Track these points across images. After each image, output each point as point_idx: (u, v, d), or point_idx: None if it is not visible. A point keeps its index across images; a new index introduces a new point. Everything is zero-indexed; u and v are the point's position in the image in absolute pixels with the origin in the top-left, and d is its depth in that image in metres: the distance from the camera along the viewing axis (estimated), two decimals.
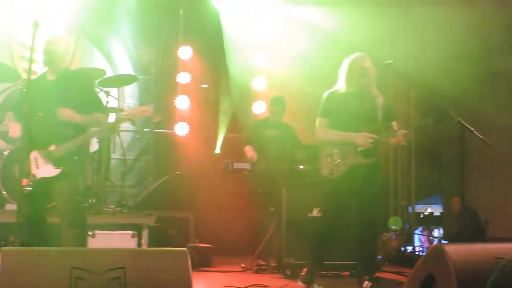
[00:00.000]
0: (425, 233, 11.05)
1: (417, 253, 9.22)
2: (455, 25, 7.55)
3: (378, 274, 6.39)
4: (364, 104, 5.31)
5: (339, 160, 5.23)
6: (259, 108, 8.77)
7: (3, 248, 2.94)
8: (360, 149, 5.23)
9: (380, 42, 7.27)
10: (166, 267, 3.16)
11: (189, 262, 3.19)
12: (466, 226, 8.48)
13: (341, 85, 5.38)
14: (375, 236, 5.61)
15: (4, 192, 6.03)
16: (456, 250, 3.63)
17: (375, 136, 5.22)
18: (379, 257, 7.40)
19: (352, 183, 5.27)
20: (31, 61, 4.68)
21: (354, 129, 5.26)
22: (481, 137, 4.68)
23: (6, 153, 6.22)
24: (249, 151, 7.09)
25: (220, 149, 8.59)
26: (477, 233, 8.35)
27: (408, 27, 7.74)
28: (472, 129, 4.69)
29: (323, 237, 5.46)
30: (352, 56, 5.33)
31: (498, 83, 8.39)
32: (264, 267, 6.60)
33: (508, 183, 9.19)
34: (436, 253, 3.70)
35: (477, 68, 7.56)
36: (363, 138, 5.22)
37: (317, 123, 5.40)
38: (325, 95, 5.43)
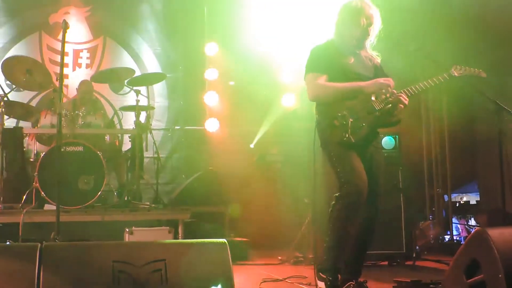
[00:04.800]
0: (462, 221, 10.91)
1: (455, 241, 9.09)
2: None
3: (417, 262, 6.31)
4: (364, 62, 4.29)
5: (352, 120, 4.05)
6: (287, 101, 8.63)
7: (46, 243, 2.94)
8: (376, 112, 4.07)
9: None
10: (206, 259, 3.14)
11: (229, 254, 3.16)
12: None
13: (332, 37, 4.32)
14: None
15: (42, 193, 6.06)
16: (501, 234, 3.56)
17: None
18: (417, 246, 7.32)
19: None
20: (62, 64, 4.72)
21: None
22: None
23: (42, 154, 6.26)
24: None
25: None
26: None
27: None
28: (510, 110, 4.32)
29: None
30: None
31: None
32: (301, 259, 6.56)
33: None
34: (479, 238, 3.63)
35: None
36: (375, 84, 4.07)
37: (307, 79, 4.25)
38: (312, 49, 4.31)
